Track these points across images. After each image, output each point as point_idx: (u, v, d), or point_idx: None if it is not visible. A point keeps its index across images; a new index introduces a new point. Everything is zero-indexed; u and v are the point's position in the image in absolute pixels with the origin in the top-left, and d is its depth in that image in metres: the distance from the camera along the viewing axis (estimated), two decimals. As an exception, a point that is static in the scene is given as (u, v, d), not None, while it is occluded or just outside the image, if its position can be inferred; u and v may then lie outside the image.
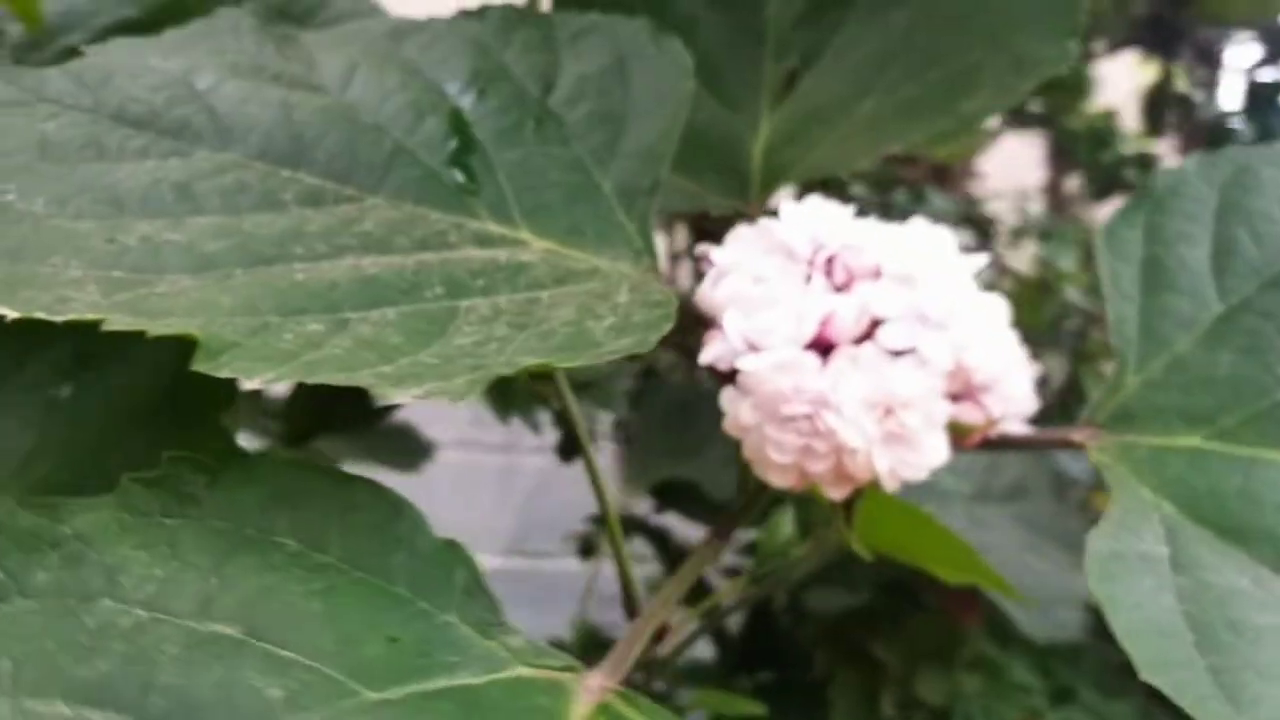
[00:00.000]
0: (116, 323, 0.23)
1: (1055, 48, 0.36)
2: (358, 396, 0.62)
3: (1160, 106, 0.98)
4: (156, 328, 0.22)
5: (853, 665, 0.64)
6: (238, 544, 0.22)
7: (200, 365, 0.22)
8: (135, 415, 0.26)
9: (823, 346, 0.31)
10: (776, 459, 0.30)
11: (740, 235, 0.33)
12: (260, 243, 0.29)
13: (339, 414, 0.62)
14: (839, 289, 0.33)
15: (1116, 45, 0.95)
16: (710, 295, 0.32)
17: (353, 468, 0.25)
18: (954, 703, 0.61)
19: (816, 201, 0.34)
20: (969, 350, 0.31)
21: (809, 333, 0.31)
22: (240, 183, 0.32)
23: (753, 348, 0.31)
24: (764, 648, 0.69)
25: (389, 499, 0.23)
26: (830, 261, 0.32)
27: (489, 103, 0.37)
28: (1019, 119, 0.92)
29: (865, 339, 0.31)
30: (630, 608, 0.44)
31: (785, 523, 0.44)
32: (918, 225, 0.34)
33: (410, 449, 0.75)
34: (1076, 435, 0.31)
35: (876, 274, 0.32)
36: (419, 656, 0.20)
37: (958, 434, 0.32)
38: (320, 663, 0.19)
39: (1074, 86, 0.89)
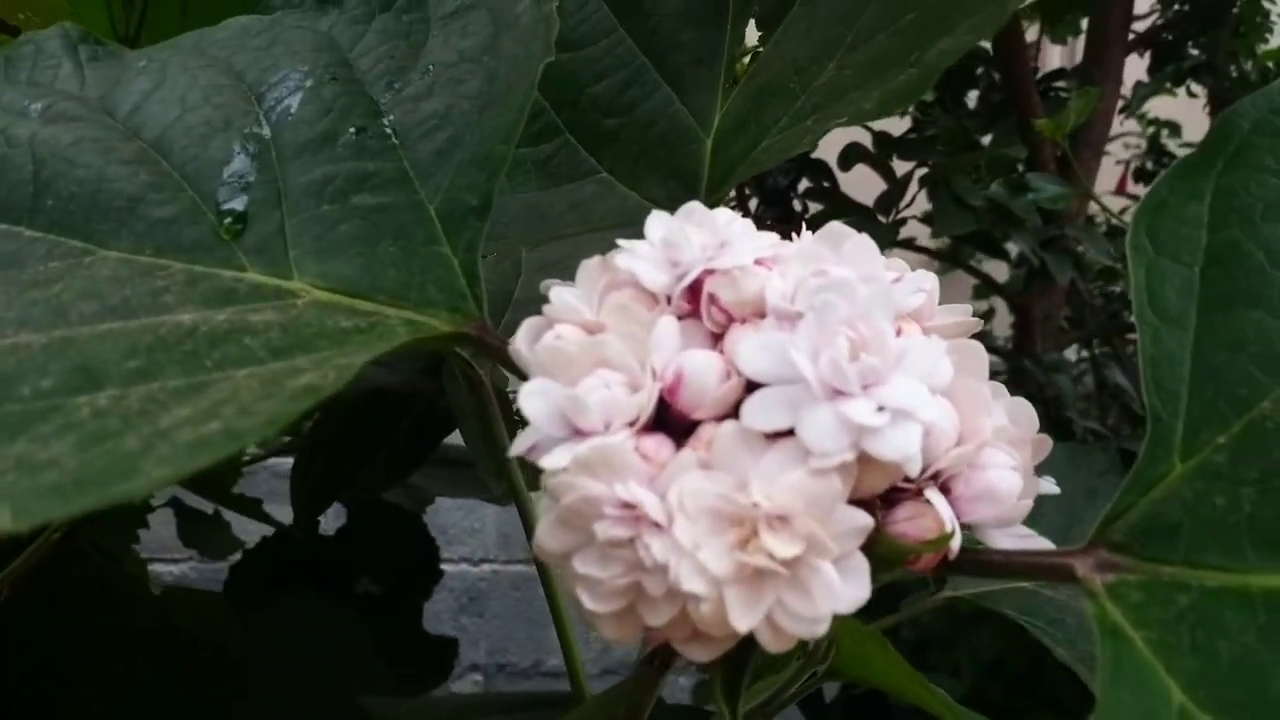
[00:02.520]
0: None
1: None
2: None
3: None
4: None
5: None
6: None
7: None
8: None
9: (678, 428, 0.21)
10: (593, 607, 0.20)
11: (585, 269, 0.23)
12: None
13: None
14: (715, 337, 0.22)
15: None
16: (523, 356, 0.22)
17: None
18: None
19: (695, 210, 0.23)
20: (899, 428, 0.19)
21: (646, 407, 0.20)
22: (-72, 244, 0.25)
23: (577, 433, 0.21)
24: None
25: None
26: (694, 296, 0.22)
27: (306, 109, 0.28)
28: (1176, 71, 0.73)
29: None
30: None
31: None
32: (833, 231, 0.22)
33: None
34: (1077, 563, 0.19)
35: (763, 312, 0.21)
36: None
37: (892, 556, 0.20)
38: None
39: (1249, 20, 0.68)
